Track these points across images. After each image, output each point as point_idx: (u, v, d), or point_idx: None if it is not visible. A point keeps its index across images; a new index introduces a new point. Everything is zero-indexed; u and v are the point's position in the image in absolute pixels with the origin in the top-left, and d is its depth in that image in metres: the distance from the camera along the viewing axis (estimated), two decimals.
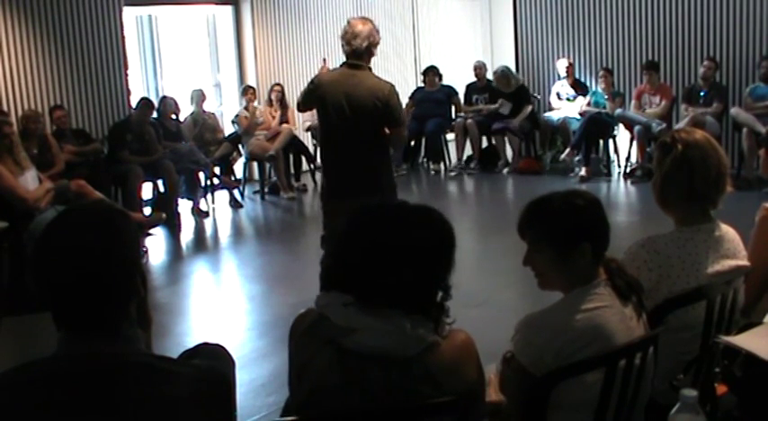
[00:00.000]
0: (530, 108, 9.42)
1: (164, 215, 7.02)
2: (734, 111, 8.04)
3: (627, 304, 1.94)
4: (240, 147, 8.84)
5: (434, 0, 11.16)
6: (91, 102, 7.94)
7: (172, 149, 7.76)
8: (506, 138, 9.47)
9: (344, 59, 4.06)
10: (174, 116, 8.25)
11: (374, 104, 3.90)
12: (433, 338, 1.62)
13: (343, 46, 4.03)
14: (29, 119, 6.69)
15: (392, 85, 4.03)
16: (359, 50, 3.95)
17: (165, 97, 8.35)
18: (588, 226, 1.95)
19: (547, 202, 2.02)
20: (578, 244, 1.91)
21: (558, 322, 1.88)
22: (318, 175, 9.30)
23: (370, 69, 4.04)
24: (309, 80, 4.20)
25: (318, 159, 9.31)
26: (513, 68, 9.89)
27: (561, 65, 9.50)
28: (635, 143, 8.58)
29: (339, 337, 1.60)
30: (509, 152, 9.61)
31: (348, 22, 4.03)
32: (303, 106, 4.35)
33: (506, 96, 9.42)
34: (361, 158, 4.00)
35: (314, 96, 4.08)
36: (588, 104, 9.03)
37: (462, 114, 9.72)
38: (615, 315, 1.89)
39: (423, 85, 9.91)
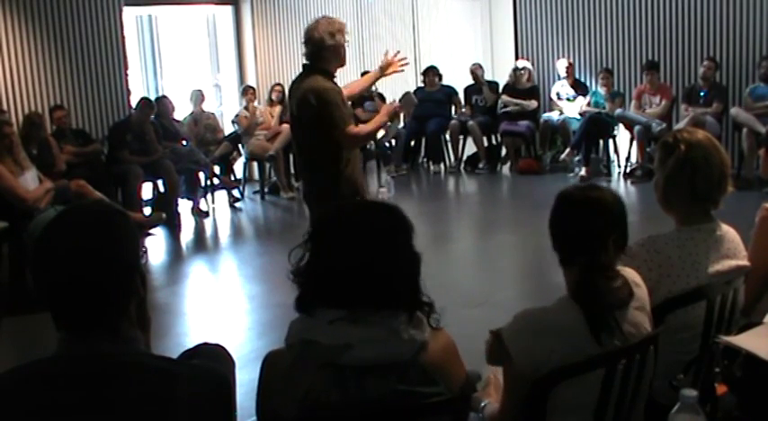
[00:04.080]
0: (536, 104, 9.45)
1: (164, 215, 7.02)
2: (734, 111, 8.04)
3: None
4: (240, 146, 8.85)
5: (434, 0, 11.16)
6: (91, 102, 7.95)
7: (172, 149, 7.76)
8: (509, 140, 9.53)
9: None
10: (171, 116, 8.26)
11: (307, 106, 3.71)
12: (422, 337, 1.62)
13: None
14: (29, 120, 6.69)
15: (328, 88, 3.74)
16: (311, 57, 3.82)
17: (161, 97, 8.35)
18: (582, 226, 1.97)
19: (556, 199, 2.05)
20: (572, 247, 1.95)
21: (554, 322, 1.89)
22: None
23: (329, 68, 3.83)
24: None
25: None
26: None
27: (561, 65, 9.51)
28: (635, 143, 8.58)
29: (335, 358, 1.57)
30: (503, 151, 9.67)
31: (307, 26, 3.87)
32: None
33: (524, 93, 9.47)
34: (308, 165, 3.91)
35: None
36: (588, 104, 9.04)
37: (462, 116, 9.73)
38: None
39: (423, 84, 9.92)
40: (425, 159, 10.00)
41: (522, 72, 9.55)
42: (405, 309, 1.63)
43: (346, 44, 3.89)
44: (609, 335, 1.86)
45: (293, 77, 4.08)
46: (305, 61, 3.90)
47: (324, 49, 3.77)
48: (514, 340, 1.87)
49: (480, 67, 9.92)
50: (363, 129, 4.03)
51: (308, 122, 3.75)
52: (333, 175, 3.79)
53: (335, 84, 3.86)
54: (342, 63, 3.90)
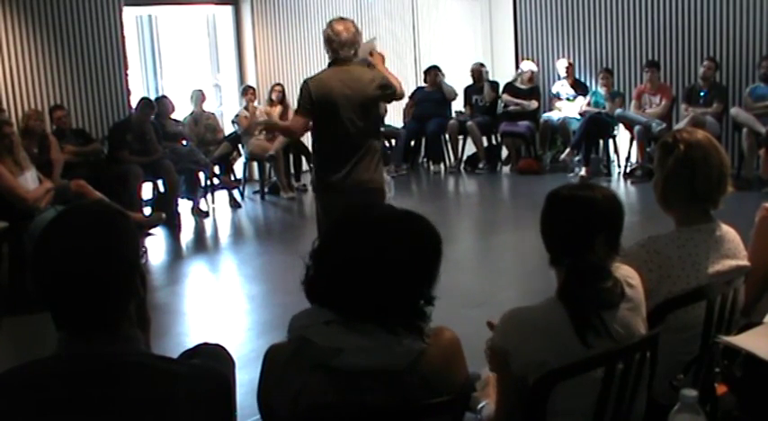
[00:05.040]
0: (536, 104, 9.45)
1: (163, 215, 7.01)
2: (734, 111, 8.04)
3: None
4: (240, 147, 8.85)
5: (434, 0, 11.16)
6: (91, 102, 7.95)
7: (172, 149, 7.77)
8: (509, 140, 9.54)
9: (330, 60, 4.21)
10: (171, 116, 8.26)
11: (378, 92, 4.14)
12: (420, 346, 1.59)
13: (329, 51, 4.13)
14: (30, 117, 6.68)
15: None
16: (348, 58, 4.13)
17: (161, 97, 8.35)
18: (571, 226, 1.96)
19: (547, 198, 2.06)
20: (559, 244, 1.97)
21: (540, 321, 1.89)
22: None
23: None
24: (301, 86, 4.20)
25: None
26: (513, 69, 9.93)
27: (561, 65, 9.51)
28: (635, 143, 8.59)
29: (327, 360, 1.55)
30: (504, 152, 9.69)
31: (331, 28, 4.11)
32: (305, 112, 4.20)
33: (525, 93, 9.48)
34: (365, 152, 4.15)
35: (313, 99, 4.10)
36: (588, 104, 9.04)
37: (462, 116, 9.73)
38: None
39: (423, 84, 9.92)
40: (425, 159, 10.01)
41: (526, 73, 9.55)
42: (400, 322, 1.60)
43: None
44: (595, 336, 1.85)
45: (293, 77, 4.25)
46: (336, 58, 4.15)
47: (357, 49, 4.17)
48: (505, 340, 1.88)
49: (483, 66, 9.92)
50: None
51: (375, 107, 4.24)
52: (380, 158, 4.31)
53: None
54: None
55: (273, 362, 1.64)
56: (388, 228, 1.64)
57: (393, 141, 9.71)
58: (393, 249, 1.60)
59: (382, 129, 9.24)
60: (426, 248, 1.65)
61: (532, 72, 9.61)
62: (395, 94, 4.28)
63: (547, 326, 1.87)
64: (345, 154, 4.12)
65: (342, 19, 4.19)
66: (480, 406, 2.11)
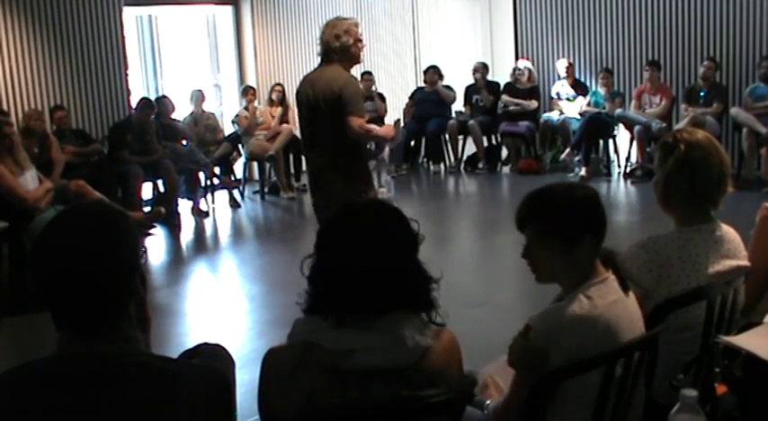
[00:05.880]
0: (536, 104, 9.45)
1: (162, 209, 6.98)
2: (734, 111, 8.04)
3: (628, 294, 1.96)
4: (240, 147, 8.85)
5: (434, 0, 11.16)
6: (91, 102, 7.95)
7: (172, 149, 7.76)
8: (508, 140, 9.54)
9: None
10: (171, 116, 8.26)
11: (331, 94, 3.83)
12: (426, 343, 1.62)
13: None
14: (30, 117, 6.67)
15: (352, 77, 3.97)
16: (321, 53, 4.05)
17: (161, 97, 8.35)
18: (590, 217, 1.95)
19: (548, 194, 2.00)
20: (581, 235, 1.91)
21: (578, 317, 1.87)
22: None
23: (342, 65, 3.99)
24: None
25: None
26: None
27: (561, 65, 9.51)
28: (635, 143, 8.59)
29: (338, 362, 1.57)
30: (504, 152, 9.69)
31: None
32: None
33: (524, 93, 9.48)
34: (322, 152, 3.95)
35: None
36: (588, 104, 9.04)
37: (462, 116, 9.73)
38: (624, 309, 1.92)
39: (423, 84, 9.92)
40: (425, 159, 10.01)
41: (522, 72, 9.54)
42: (409, 312, 1.63)
43: (360, 43, 4.04)
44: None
45: (293, 77, 4.20)
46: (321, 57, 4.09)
47: (331, 50, 3.99)
48: (548, 340, 1.86)
49: (484, 66, 9.91)
50: (372, 127, 4.13)
51: (333, 107, 3.83)
52: (354, 166, 3.92)
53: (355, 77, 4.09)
54: (351, 61, 4.03)
55: (276, 366, 1.65)
56: (358, 235, 1.67)
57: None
58: (370, 251, 1.63)
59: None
60: (399, 236, 1.69)
61: (530, 70, 9.60)
62: (350, 115, 3.78)
63: (592, 320, 1.86)
64: (311, 155, 4.05)
65: (332, 19, 4.12)
66: (486, 403, 2.11)
